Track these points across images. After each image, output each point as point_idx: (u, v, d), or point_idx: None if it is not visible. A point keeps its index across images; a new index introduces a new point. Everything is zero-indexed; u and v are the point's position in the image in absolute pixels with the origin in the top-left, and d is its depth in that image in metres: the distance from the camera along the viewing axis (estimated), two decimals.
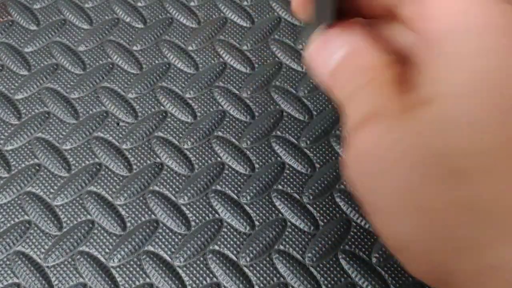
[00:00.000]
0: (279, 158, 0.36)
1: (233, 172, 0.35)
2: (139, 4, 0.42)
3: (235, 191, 0.35)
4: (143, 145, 0.36)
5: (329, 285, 0.32)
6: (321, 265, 0.32)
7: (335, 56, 0.19)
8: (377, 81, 0.18)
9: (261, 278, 0.32)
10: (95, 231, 0.33)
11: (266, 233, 0.33)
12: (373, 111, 0.17)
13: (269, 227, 0.33)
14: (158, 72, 0.39)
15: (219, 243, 0.33)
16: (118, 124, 0.37)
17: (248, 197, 0.34)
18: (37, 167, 0.35)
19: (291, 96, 0.38)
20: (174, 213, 0.34)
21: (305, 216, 0.34)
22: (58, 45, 0.40)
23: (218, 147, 0.36)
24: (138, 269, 0.32)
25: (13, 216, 0.34)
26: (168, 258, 0.33)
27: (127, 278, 0.32)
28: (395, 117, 0.17)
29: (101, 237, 0.33)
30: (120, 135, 0.36)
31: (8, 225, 0.33)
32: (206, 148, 0.36)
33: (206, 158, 0.36)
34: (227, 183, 0.35)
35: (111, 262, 0.33)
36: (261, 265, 0.33)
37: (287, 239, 0.33)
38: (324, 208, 0.34)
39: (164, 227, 0.34)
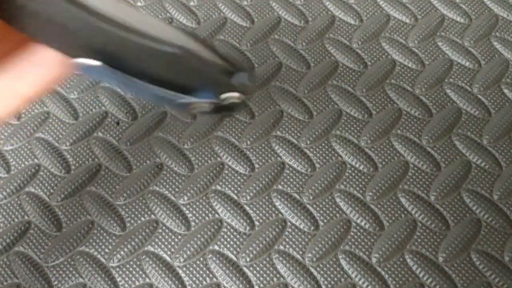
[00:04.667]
0: (279, 158, 0.36)
1: (233, 172, 0.35)
2: (138, 4, 0.42)
3: (235, 191, 0.35)
4: (143, 145, 0.36)
5: (329, 285, 0.32)
6: (321, 265, 0.32)
7: None
8: None
9: (261, 278, 0.32)
10: (95, 231, 0.33)
11: (266, 233, 0.33)
12: None
13: (269, 227, 0.33)
14: None
15: (219, 243, 0.33)
16: (118, 124, 0.37)
17: (248, 197, 0.34)
18: (36, 167, 0.35)
19: (291, 96, 0.38)
20: (174, 213, 0.34)
21: (305, 216, 0.34)
22: None
23: (218, 147, 0.36)
24: (138, 269, 0.32)
25: (13, 216, 0.34)
26: (168, 258, 0.33)
27: (126, 278, 0.32)
28: None
29: (101, 237, 0.33)
30: (120, 135, 0.36)
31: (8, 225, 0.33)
32: (206, 148, 0.36)
33: (206, 158, 0.36)
34: (227, 183, 0.35)
35: (111, 262, 0.33)
36: (261, 265, 0.32)
37: (287, 239, 0.33)
38: (324, 208, 0.34)
39: (164, 227, 0.34)
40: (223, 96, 0.21)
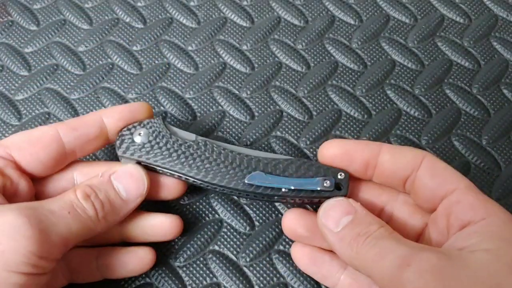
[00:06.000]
0: None
1: None
2: (139, 4, 0.42)
3: None
4: None
5: None
6: None
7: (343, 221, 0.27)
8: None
9: (261, 278, 0.32)
10: None
11: (266, 233, 0.33)
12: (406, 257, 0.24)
13: (269, 227, 0.34)
14: (158, 72, 0.39)
15: (219, 243, 0.33)
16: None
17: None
18: None
19: (291, 96, 0.38)
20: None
21: None
22: (58, 45, 0.40)
23: None
24: None
25: None
26: (168, 258, 0.33)
27: (126, 278, 0.32)
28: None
29: None
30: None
31: None
32: None
33: None
34: None
35: None
36: (261, 265, 0.33)
37: (286, 239, 0.33)
38: None
39: None
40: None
